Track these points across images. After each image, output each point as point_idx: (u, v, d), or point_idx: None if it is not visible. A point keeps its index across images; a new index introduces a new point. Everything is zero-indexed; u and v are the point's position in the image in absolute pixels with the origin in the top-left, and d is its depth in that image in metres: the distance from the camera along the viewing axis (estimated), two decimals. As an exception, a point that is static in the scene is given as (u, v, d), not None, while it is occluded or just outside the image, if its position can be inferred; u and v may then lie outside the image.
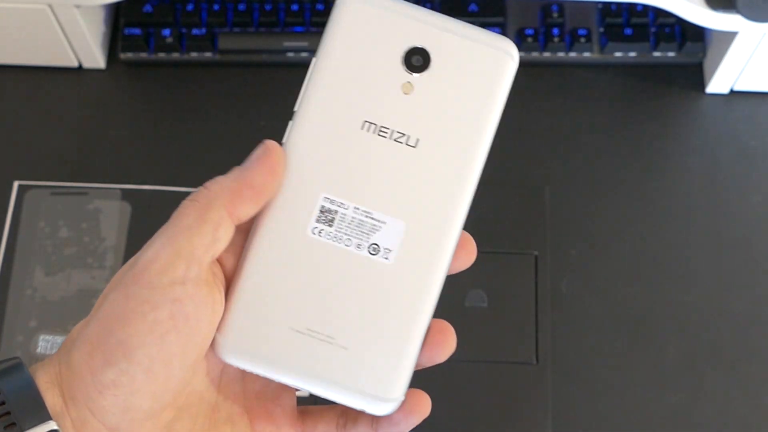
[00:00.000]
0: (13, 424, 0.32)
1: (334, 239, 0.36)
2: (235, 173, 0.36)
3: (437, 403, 0.61)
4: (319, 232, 0.36)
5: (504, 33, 0.73)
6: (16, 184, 0.68)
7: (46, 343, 0.63)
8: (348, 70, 0.38)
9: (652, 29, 0.72)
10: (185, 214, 0.34)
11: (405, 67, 0.37)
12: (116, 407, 0.33)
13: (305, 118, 0.38)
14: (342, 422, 0.38)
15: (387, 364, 0.36)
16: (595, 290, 0.66)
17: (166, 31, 0.72)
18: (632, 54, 0.72)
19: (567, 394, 0.63)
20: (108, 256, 0.65)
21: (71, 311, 0.64)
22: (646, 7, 0.72)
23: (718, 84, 0.71)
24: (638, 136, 0.71)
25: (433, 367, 0.63)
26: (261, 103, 0.72)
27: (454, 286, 0.64)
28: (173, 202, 0.66)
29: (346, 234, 0.37)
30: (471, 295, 0.63)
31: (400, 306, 0.37)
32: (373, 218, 0.37)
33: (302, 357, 0.36)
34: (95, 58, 0.72)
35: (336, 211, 0.37)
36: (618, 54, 0.72)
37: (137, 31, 0.72)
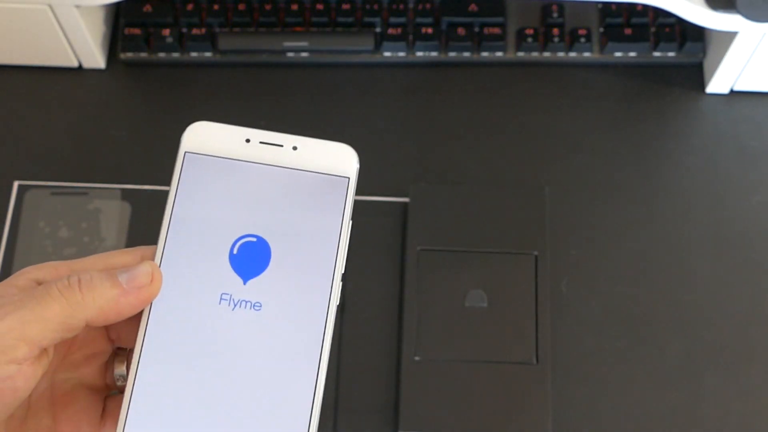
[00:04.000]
0: None
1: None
2: (112, 294, 0.36)
3: (437, 403, 0.62)
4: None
5: (504, 33, 0.73)
6: (16, 184, 0.68)
7: (46, 343, 0.63)
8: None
9: (652, 29, 0.72)
10: (47, 305, 0.35)
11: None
12: None
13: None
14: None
15: None
16: (595, 290, 0.66)
17: (166, 31, 0.72)
18: (632, 54, 0.72)
19: (567, 394, 0.63)
20: (108, 256, 0.65)
21: (71, 311, 0.64)
22: (646, 7, 0.72)
23: (718, 84, 0.71)
24: (638, 136, 0.71)
25: (433, 366, 0.63)
26: (261, 103, 0.72)
27: (454, 286, 0.64)
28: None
29: None
30: (471, 295, 0.63)
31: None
32: None
33: None
34: (95, 58, 0.72)
35: None
36: (618, 54, 0.72)
37: (137, 31, 0.72)
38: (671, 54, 0.72)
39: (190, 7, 0.73)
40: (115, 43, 0.74)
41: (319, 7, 0.72)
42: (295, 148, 0.39)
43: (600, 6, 0.73)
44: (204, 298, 0.37)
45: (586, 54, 0.73)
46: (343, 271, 0.38)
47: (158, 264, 0.38)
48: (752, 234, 0.67)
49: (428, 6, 0.73)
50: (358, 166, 0.39)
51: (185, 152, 0.40)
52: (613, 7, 0.72)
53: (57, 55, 0.71)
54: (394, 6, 0.73)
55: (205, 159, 0.39)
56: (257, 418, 0.36)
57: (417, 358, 0.62)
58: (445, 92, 0.73)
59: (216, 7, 0.72)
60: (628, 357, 0.64)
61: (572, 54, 0.73)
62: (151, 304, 0.37)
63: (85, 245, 0.66)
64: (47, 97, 0.73)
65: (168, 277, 0.37)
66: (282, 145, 0.39)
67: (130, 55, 0.73)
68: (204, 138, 0.40)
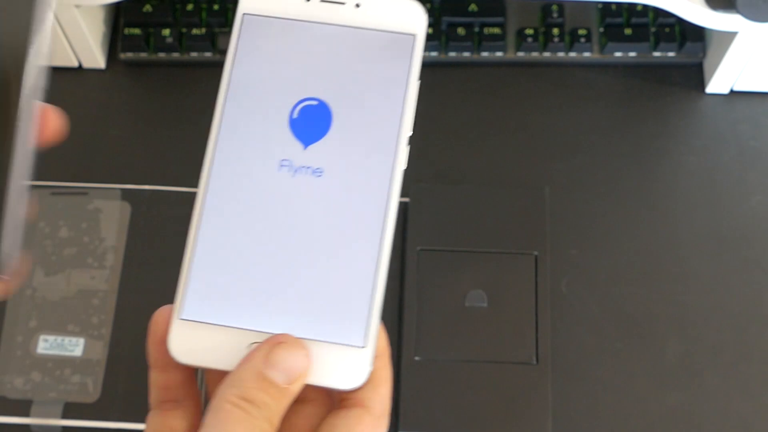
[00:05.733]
0: None
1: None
2: None
3: (437, 403, 0.62)
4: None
5: (504, 33, 0.73)
6: (16, 184, 0.68)
7: (46, 343, 0.63)
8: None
9: (652, 29, 0.72)
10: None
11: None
12: None
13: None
14: None
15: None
16: (595, 290, 0.66)
17: (166, 31, 0.72)
18: (632, 54, 0.72)
19: (567, 394, 0.63)
20: (108, 256, 0.65)
21: (71, 311, 0.64)
22: (646, 7, 0.72)
23: (718, 84, 0.71)
24: (638, 136, 0.71)
25: (433, 366, 0.63)
26: (261, 103, 0.72)
27: (454, 286, 0.64)
28: (173, 202, 0.66)
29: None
30: (471, 295, 0.63)
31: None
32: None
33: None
34: (95, 58, 0.72)
35: None
36: (618, 54, 0.72)
37: (137, 31, 0.72)
38: (671, 54, 0.72)
39: (190, 7, 0.73)
40: (115, 43, 0.74)
41: (319, 7, 0.72)
42: (357, 6, 0.37)
43: (600, 6, 0.73)
44: (263, 166, 0.36)
45: (586, 54, 0.73)
46: (410, 134, 0.36)
47: (217, 131, 0.37)
48: (752, 234, 0.67)
49: (428, 6, 0.73)
50: (426, 23, 0.37)
51: (243, 14, 0.38)
52: (613, 7, 0.72)
53: (57, 55, 0.71)
54: (394, 6, 0.73)
55: (264, 20, 0.38)
56: (319, 286, 0.35)
57: (417, 358, 0.62)
58: (445, 92, 0.73)
59: (216, 7, 0.72)
60: (628, 357, 0.64)
61: (572, 54, 0.73)
62: (210, 172, 0.36)
63: (85, 245, 0.66)
64: (47, 97, 0.73)
65: (226, 145, 0.36)
66: (344, 3, 0.37)
67: (130, 55, 0.73)
68: None
